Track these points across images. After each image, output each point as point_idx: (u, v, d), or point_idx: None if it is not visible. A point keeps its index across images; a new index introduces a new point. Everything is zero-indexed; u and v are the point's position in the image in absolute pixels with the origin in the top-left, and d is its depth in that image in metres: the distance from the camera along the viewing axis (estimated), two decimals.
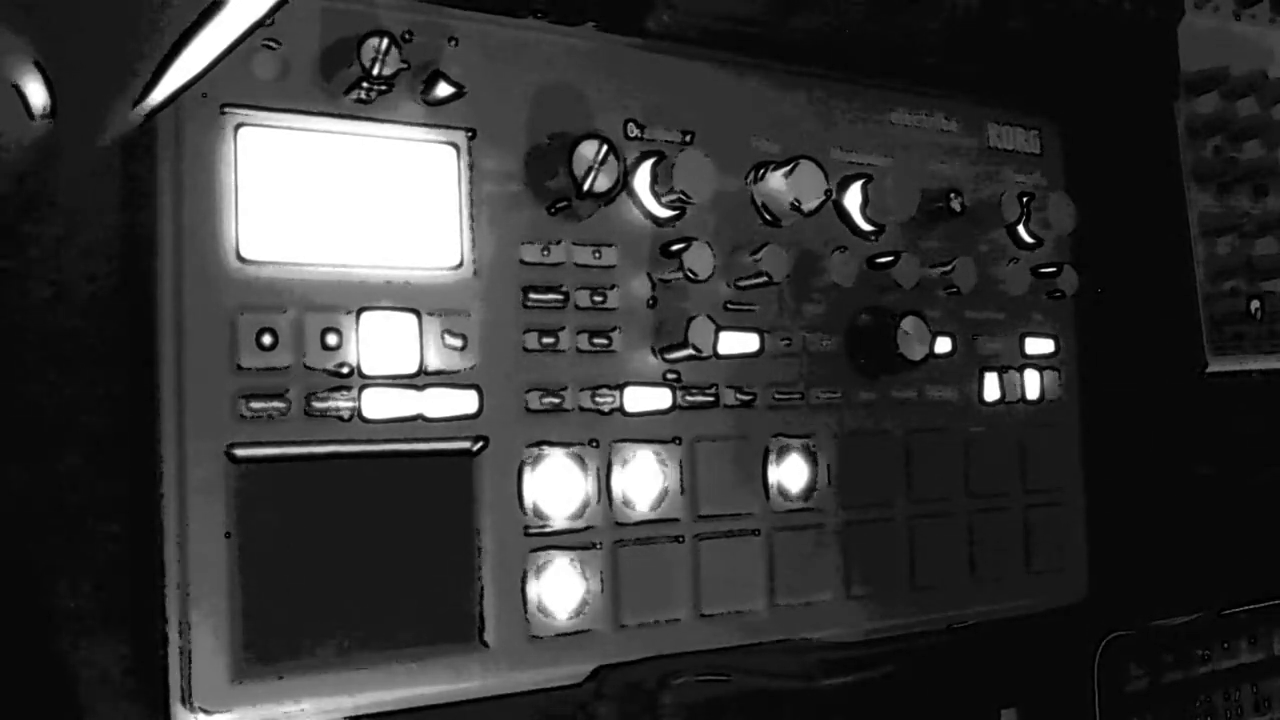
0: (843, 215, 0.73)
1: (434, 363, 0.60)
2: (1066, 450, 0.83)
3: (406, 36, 0.59)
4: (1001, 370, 0.80)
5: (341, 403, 0.58)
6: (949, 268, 0.74)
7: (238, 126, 0.56)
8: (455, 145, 0.61)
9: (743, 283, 0.68)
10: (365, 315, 0.58)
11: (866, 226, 0.73)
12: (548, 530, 0.63)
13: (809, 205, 0.67)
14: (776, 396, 0.70)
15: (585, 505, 0.64)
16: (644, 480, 0.66)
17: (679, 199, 0.64)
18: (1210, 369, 0.82)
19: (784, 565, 0.70)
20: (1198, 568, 0.84)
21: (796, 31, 0.68)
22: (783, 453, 0.70)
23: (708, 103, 0.69)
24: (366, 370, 0.58)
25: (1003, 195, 0.76)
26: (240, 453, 0.55)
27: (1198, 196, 0.82)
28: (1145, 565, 0.83)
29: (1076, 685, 0.82)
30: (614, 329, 0.65)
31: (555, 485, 0.63)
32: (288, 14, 0.54)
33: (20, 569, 0.54)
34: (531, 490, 0.62)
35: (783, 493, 0.70)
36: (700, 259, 0.65)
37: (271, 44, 0.57)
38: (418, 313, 0.60)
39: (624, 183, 0.64)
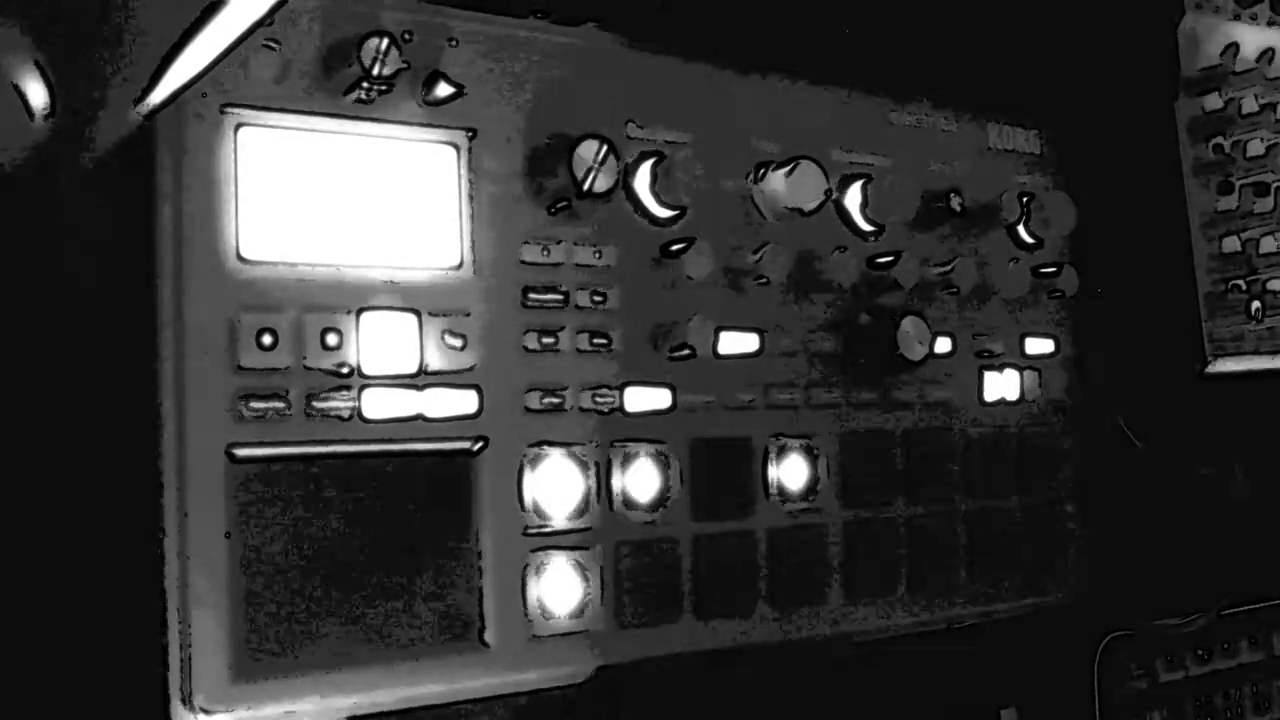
0: (843, 215, 0.73)
1: (434, 363, 0.60)
2: (1066, 450, 0.83)
3: (406, 36, 0.59)
4: (1001, 370, 0.80)
5: (341, 403, 0.58)
6: (949, 268, 0.74)
7: (238, 126, 0.56)
8: (455, 145, 0.61)
9: (743, 283, 0.68)
10: (365, 315, 0.58)
11: (866, 226, 0.73)
12: (548, 530, 0.63)
13: (809, 205, 0.67)
14: (776, 396, 0.70)
15: (585, 505, 0.64)
16: (644, 480, 0.66)
17: (675, 199, 0.64)
18: (1210, 369, 0.82)
19: (784, 565, 0.70)
20: (1198, 568, 0.84)
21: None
22: (783, 453, 0.70)
23: (708, 103, 0.69)
24: (366, 370, 0.58)
25: (1003, 195, 0.76)
26: (240, 453, 0.55)
27: (1198, 196, 0.82)
28: (1145, 565, 0.83)
29: (1076, 685, 0.82)
30: (614, 329, 0.65)
31: (555, 485, 0.63)
32: (288, 14, 0.54)
33: (21, 570, 0.54)
34: (531, 490, 0.62)
35: (782, 493, 0.70)
36: (700, 259, 0.65)
37: (271, 44, 0.57)
38: (418, 313, 0.60)
39: (624, 182, 0.64)
